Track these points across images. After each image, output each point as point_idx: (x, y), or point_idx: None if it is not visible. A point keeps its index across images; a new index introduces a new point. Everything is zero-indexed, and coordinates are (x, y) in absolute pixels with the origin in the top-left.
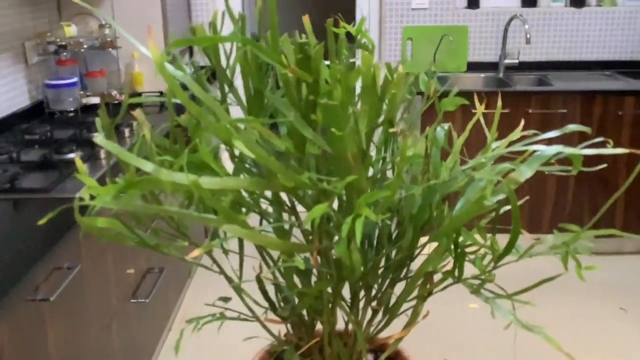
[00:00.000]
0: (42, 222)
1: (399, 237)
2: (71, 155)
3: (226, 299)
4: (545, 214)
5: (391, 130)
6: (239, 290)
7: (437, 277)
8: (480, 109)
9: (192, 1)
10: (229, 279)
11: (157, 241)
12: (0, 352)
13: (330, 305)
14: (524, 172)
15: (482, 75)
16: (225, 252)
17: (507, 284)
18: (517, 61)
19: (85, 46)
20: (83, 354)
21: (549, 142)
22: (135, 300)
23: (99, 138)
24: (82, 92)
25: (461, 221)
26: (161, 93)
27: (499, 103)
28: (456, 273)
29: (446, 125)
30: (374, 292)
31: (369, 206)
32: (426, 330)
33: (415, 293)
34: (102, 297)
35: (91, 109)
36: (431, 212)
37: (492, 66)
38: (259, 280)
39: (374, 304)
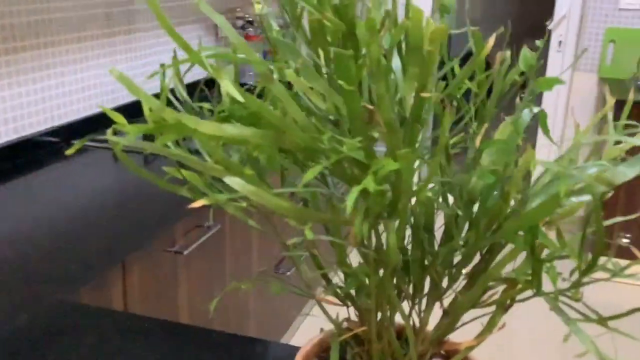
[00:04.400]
0: (70, 152)
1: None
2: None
3: (267, 271)
4: None
5: (422, 94)
6: (298, 262)
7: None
8: (610, 100)
9: None
10: (285, 247)
11: (216, 198)
12: (130, 290)
13: (379, 291)
14: (622, 173)
15: None
16: (270, 214)
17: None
18: None
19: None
20: (216, 311)
21: None
22: (277, 272)
23: (114, 72)
24: None
25: (532, 219)
26: None
27: (631, 96)
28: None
29: (536, 109)
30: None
31: (378, 178)
32: (498, 342)
33: (491, 300)
34: (242, 262)
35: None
36: (502, 208)
37: None
38: (307, 250)
39: (444, 304)
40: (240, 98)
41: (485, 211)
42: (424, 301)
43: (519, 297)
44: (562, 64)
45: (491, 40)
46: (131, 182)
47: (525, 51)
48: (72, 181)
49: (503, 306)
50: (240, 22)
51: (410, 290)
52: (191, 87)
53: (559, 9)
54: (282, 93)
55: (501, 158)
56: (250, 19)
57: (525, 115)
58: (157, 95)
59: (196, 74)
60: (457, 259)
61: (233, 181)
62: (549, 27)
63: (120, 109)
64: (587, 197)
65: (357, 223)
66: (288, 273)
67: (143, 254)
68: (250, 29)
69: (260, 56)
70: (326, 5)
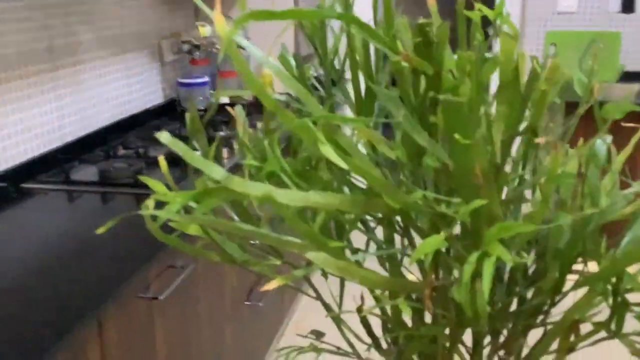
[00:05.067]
0: (101, 231)
1: (537, 275)
2: (196, 153)
3: (319, 334)
4: None
5: (536, 140)
6: (338, 321)
7: (584, 327)
8: None
9: None
10: (327, 307)
11: (246, 257)
12: (108, 346)
13: (446, 352)
14: None
15: (637, 86)
16: (325, 274)
17: None
18: None
19: (217, 46)
20: (192, 354)
21: None
22: (249, 303)
23: (163, 135)
24: (212, 92)
25: (625, 264)
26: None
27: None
28: (613, 326)
29: (608, 138)
30: (502, 338)
31: (501, 242)
32: None
33: (555, 345)
34: (216, 298)
35: (221, 109)
36: (584, 248)
37: None
38: (361, 312)
39: (501, 352)
40: (344, 166)
41: (558, 255)
42: (485, 352)
43: (590, 339)
44: None
45: (554, 66)
46: (91, 224)
47: (579, 77)
48: (25, 230)
49: (566, 350)
50: (186, 47)
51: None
52: (148, 113)
53: None
54: (350, 146)
55: (569, 194)
56: (197, 43)
57: (600, 146)
58: (116, 125)
59: (150, 99)
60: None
61: (317, 258)
62: (490, 34)
63: (67, 147)
64: None
65: (480, 304)
66: (260, 304)
67: (117, 304)
68: (197, 53)
69: (208, 79)
70: (396, 44)
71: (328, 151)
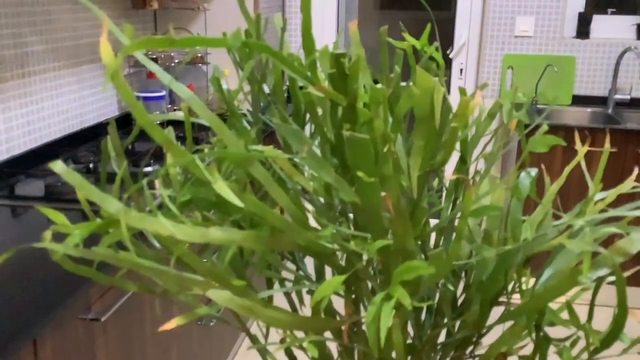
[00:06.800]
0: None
1: (465, 305)
2: (148, 169)
3: None
4: None
5: (448, 178)
6: (264, 352)
7: None
8: (582, 149)
9: (288, 13)
10: (253, 339)
11: (163, 288)
12: None
13: None
14: (636, 241)
15: (589, 110)
16: None
17: None
18: (629, 97)
19: (175, 60)
20: None
21: None
22: (200, 323)
23: (57, 165)
24: (169, 106)
25: (546, 299)
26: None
27: (607, 144)
28: None
29: (533, 171)
30: None
31: (410, 281)
32: None
33: None
34: (163, 318)
35: (178, 124)
36: (506, 282)
37: (600, 101)
38: (285, 345)
39: None
40: (239, 203)
41: (481, 287)
42: None
43: None
44: None
45: (478, 97)
46: (35, 241)
47: (506, 106)
48: None
49: None
50: None
51: None
52: (85, 133)
53: (459, 38)
54: (266, 179)
55: (495, 226)
56: (154, 56)
57: (524, 180)
58: (67, 139)
59: (87, 119)
60: (442, 338)
61: (219, 297)
62: (450, 56)
63: (14, 160)
64: (605, 271)
65: (371, 332)
66: (211, 324)
67: (55, 326)
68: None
69: (165, 93)
70: (317, 75)
71: (221, 188)
